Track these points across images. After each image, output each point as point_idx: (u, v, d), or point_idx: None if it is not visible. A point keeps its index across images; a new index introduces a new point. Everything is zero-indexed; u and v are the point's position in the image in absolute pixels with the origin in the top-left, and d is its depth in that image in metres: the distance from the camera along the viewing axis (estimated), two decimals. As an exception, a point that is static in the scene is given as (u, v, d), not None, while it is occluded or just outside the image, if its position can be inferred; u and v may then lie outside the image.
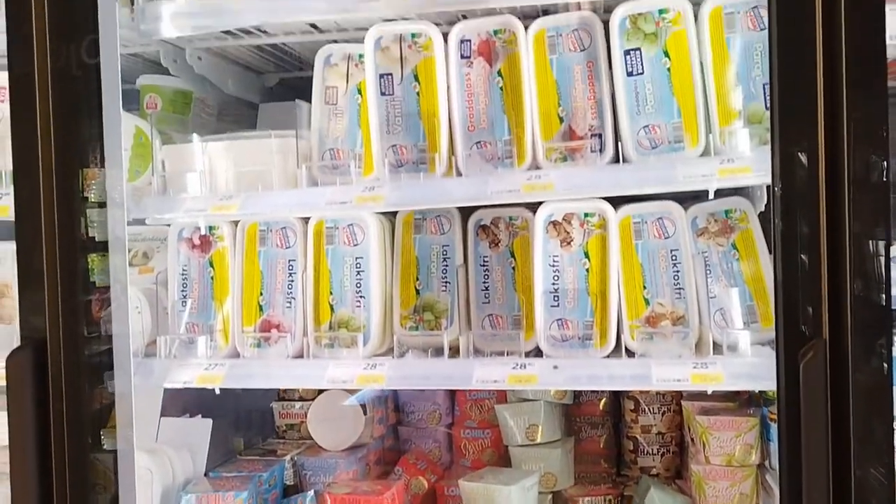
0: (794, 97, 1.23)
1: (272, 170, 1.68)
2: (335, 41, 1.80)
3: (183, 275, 1.78)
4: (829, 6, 1.22)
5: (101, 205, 1.55)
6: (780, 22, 1.25)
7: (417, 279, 1.72)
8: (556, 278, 1.57)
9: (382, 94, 1.65)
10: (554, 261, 1.57)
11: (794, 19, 1.25)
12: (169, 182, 1.74)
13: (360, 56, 1.74)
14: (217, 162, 1.71)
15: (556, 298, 1.57)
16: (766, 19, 1.45)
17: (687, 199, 1.60)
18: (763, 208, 1.64)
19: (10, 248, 1.83)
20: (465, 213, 1.72)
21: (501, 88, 1.61)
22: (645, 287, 1.59)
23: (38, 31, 1.43)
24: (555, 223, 1.58)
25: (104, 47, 1.50)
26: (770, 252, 1.54)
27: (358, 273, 1.69)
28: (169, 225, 1.78)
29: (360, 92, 1.74)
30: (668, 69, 1.53)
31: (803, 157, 1.21)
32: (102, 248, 1.55)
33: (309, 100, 2.21)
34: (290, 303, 1.72)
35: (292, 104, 2.24)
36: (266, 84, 2.30)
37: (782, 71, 1.19)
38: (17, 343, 1.45)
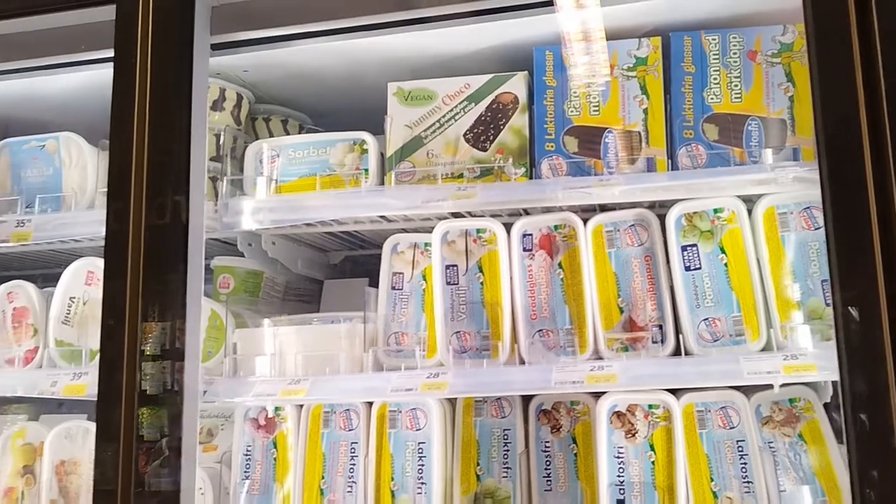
0: (857, 300, 1.26)
1: (339, 354, 1.74)
2: (402, 230, 1.91)
3: (247, 455, 1.80)
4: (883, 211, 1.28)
5: (155, 357, 1.61)
6: (837, 228, 1.30)
7: (478, 464, 1.72)
8: (621, 471, 1.56)
9: (448, 283, 1.73)
10: (619, 453, 1.57)
11: (849, 225, 1.30)
12: (240, 364, 1.81)
13: (426, 245, 1.84)
14: (287, 345, 1.78)
15: (622, 492, 1.55)
16: (819, 219, 1.52)
17: (749, 385, 1.60)
18: (829, 399, 1.64)
19: (79, 424, 1.91)
20: (526, 395, 1.74)
21: (562, 280, 1.68)
22: (712, 480, 1.56)
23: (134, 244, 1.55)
24: (618, 414, 1.59)
25: (192, 241, 1.61)
26: (839, 443, 1.53)
27: (420, 458, 1.69)
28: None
29: (424, 278, 1.83)
30: (726, 265, 1.58)
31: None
32: (153, 401, 1.58)
33: (369, 276, 2.34)
34: (350, 487, 1.72)
35: (355, 281, 2.35)
36: (331, 261, 2.42)
37: (843, 282, 1.23)
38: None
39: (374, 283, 2.28)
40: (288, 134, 2.16)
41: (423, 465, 1.69)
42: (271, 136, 2.14)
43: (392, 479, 1.70)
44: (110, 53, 1.69)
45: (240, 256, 2.12)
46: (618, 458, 1.57)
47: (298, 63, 1.97)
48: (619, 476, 1.56)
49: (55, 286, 2.02)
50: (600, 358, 1.61)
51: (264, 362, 1.78)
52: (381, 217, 1.90)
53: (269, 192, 1.86)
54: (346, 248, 2.39)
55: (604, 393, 1.63)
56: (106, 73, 1.98)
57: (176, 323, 1.55)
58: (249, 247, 2.08)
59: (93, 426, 1.90)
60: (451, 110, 1.82)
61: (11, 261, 2.33)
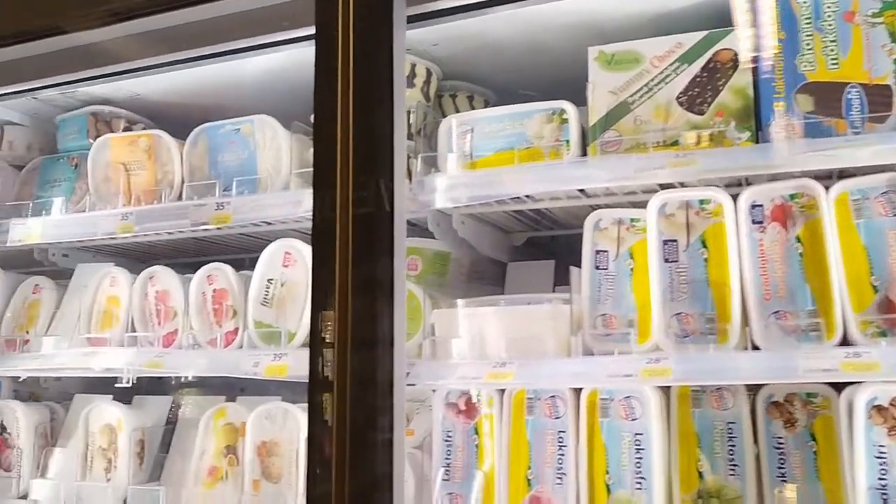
0: None
1: (545, 337, 1.63)
2: (600, 206, 1.78)
3: (447, 441, 1.74)
4: None
5: (365, 343, 1.56)
6: None
7: (699, 460, 1.56)
8: (883, 473, 1.36)
9: (666, 260, 1.58)
10: (880, 452, 1.37)
11: None
12: (438, 346, 1.75)
13: (632, 220, 1.70)
14: (487, 327, 1.70)
15: (885, 497, 1.35)
16: None
17: None
18: None
19: (278, 406, 1.91)
20: (751, 385, 1.57)
21: (801, 255, 1.49)
22: None
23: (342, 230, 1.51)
24: (879, 408, 1.38)
25: (398, 223, 1.56)
26: None
27: (637, 451, 1.56)
28: (434, 390, 1.76)
29: (631, 256, 1.69)
30: None
31: None
32: (364, 386, 1.53)
33: (554, 258, 2.21)
34: (560, 479, 1.61)
35: (541, 263, 2.23)
36: (513, 243, 2.32)
37: None
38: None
39: (560, 265, 2.18)
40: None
41: (640, 459, 1.55)
42: (458, 112, 2.06)
43: (606, 471, 1.58)
44: (307, 31, 1.67)
45: (427, 237, 2.06)
46: (879, 458, 1.37)
47: (483, 34, 1.88)
48: (881, 479, 1.36)
49: (245, 270, 2.05)
50: (850, 343, 1.41)
51: (462, 344, 1.70)
52: (581, 192, 1.78)
53: (464, 167, 1.78)
54: (529, 229, 2.28)
55: (848, 384, 1.43)
56: (295, 54, 1.99)
57: (385, 308, 1.50)
58: (438, 227, 2.01)
59: (292, 408, 1.90)
60: (661, 73, 1.66)
61: (204, 246, 2.40)
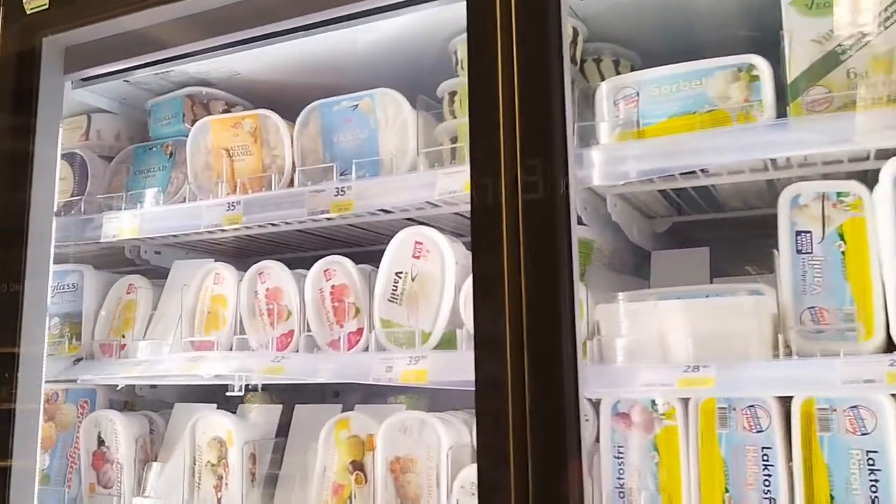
0: None
1: (746, 335, 1.37)
2: (785, 179, 1.51)
3: (618, 458, 1.48)
4: None
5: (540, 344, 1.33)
6: None
7: (946, 481, 1.28)
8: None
9: (908, 239, 1.30)
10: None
11: None
12: (605, 347, 1.50)
13: (838, 195, 1.42)
14: (670, 324, 1.44)
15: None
16: None
17: None
18: None
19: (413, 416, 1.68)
20: None
21: None
22: None
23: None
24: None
25: (572, 210, 1.32)
26: None
27: (871, 472, 1.28)
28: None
29: (842, 237, 1.41)
30: None
31: None
32: (541, 392, 1.31)
33: (706, 245, 1.94)
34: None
35: (692, 252, 1.97)
36: (655, 229, 2.05)
37: None
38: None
39: (717, 253, 1.91)
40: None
41: (877, 481, 1.28)
42: (603, 79, 1.80)
43: (831, 496, 1.30)
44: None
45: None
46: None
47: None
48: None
49: (362, 265, 1.83)
50: None
51: (637, 345, 1.44)
52: (771, 162, 1.51)
53: (630, 137, 1.52)
54: (673, 214, 2.02)
55: None
56: (413, 21, 1.76)
57: (565, 303, 1.26)
58: (586, 210, 1.75)
59: (430, 418, 1.67)
60: (881, 14, 1.38)
61: (308, 240, 2.19)
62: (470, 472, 1.59)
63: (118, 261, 2.28)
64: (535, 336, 1.25)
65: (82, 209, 2.16)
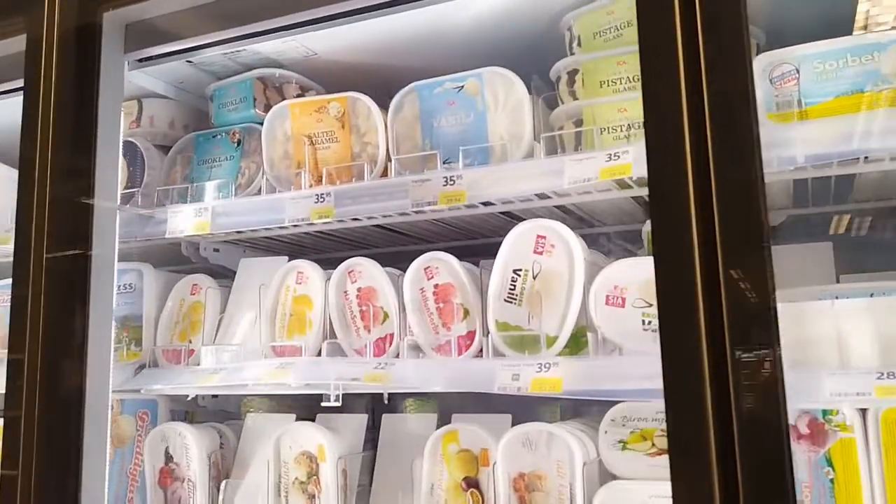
0: None
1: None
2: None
3: (785, 474, 1.33)
4: None
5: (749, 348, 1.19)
6: None
7: None
8: None
9: None
10: None
11: None
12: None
13: None
14: (850, 325, 1.29)
15: None
16: None
17: None
18: None
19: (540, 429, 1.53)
20: None
21: None
22: None
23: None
24: None
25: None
26: None
27: None
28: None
29: None
30: None
31: None
32: (749, 411, 1.16)
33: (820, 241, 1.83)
34: (974, 527, 1.21)
35: (814, 246, 1.83)
36: (770, 222, 1.91)
37: None
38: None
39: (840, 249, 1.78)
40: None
41: None
42: (731, 56, 1.65)
43: None
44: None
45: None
46: None
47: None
48: None
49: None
50: None
51: (812, 349, 1.30)
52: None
53: (790, 119, 1.38)
54: (791, 206, 1.88)
55: None
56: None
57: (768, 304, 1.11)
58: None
59: (557, 430, 1.52)
60: None
61: (388, 237, 2.03)
62: (611, 493, 1.44)
63: (172, 258, 2.10)
64: (736, 345, 1.10)
65: (139, 202, 1.98)
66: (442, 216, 1.77)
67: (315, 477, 1.71)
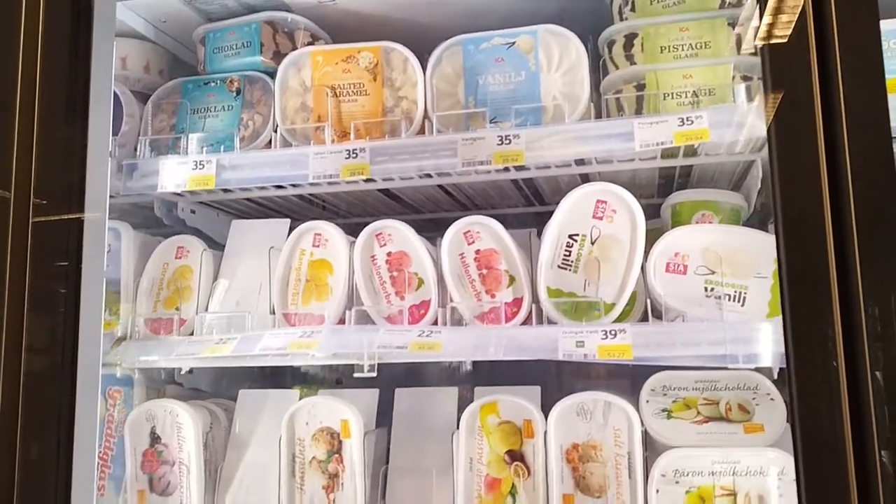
0: None
1: None
2: None
3: None
4: None
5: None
6: None
7: None
8: None
9: None
10: None
11: None
12: None
13: None
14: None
15: None
16: None
17: None
18: None
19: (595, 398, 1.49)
20: None
21: None
22: None
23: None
24: None
25: None
26: None
27: None
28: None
29: None
30: None
31: None
32: None
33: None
34: None
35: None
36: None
37: None
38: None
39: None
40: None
41: None
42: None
43: None
44: None
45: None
46: None
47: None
48: None
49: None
50: None
51: None
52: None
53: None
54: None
55: None
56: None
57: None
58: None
59: (614, 399, 1.49)
60: None
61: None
62: (673, 459, 1.43)
63: (140, 220, 1.88)
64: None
65: (115, 153, 1.75)
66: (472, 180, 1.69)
67: (337, 454, 1.58)
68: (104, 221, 1.53)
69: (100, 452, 1.72)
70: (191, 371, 1.90)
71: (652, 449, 1.49)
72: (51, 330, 1.47)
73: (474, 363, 2.05)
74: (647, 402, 1.55)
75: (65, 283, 1.46)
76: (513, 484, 1.50)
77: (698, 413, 1.53)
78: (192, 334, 1.67)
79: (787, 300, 1.17)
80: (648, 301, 1.48)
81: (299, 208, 1.98)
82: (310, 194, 1.87)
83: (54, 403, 1.43)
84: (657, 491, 1.42)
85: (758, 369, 1.55)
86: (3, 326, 1.44)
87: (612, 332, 1.41)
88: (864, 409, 1.10)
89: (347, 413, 1.58)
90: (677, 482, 1.42)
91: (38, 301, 1.45)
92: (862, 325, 1.12)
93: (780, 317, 1.28)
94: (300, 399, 1.65)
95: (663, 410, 1.54)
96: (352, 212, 2.06)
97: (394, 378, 1.75)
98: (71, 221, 1.47)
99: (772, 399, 1.51)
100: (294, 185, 1.78)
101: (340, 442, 1.58)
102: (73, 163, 1.49)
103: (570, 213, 1.51)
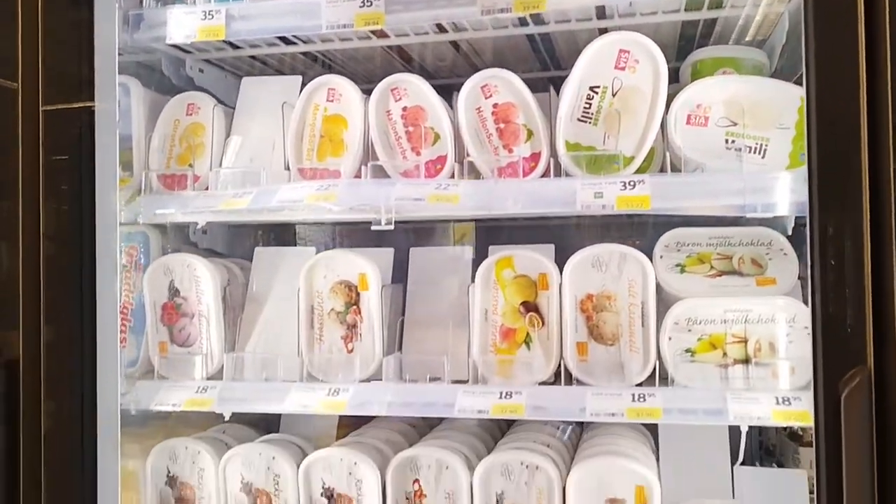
0: None
1: None
2: None
3: None
4: None
5: None
6: None
7: None
8: None
9: None
10: None
11: None
12: None
13: None
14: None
15: None
16: None
17: None
18: None
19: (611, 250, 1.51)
20: None
21: None
22: None
23: None
24: None
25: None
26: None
27: None
28: None
29: None
30: None
31: None
32: None
33: None
34: None
35: None
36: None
37: None
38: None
39: None
40: None
41: None
42: None
43: None
44: None
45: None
46: None
47: None
48: None
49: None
50: None
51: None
52: None
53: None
54: None
55: None
56: None
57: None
58: None
59: (629, 250, 1.51)
60: None
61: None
62: (686, 308, 1.46)
63: (148, 83, 1.83)
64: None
65: (121, 3, 1.68)
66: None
67: (355, 306, 1.61)
68: (114, 76, 1.51)
69: (119, 307, 1.75)
70: (205, 231, 1.92)
71: (664, 304, 1.52)
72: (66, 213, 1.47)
73: (486, 229, 2.08)
74: (661, 257, 1.57)
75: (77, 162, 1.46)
76: (527, 333, 1.54)
77: (711, 267, 1.55)
78: (206, 190, 1.67)
79: (815, 147, 1.16)
80: (668, 154, 1.47)
81: (306, 68, 1.94)
82: (319, 52, 1.83)
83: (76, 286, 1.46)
84: (669, 339, 1.46)
85: (772, 226, 1.56)
86: (20, 213, 1.45)
87: (632, 183, 1.41)
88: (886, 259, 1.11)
89: (365, 266, 1.60)
90: (689, 330, 1.45)
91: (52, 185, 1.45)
92: (890, 172, 1.12)
93: (801, 168, 1.29)
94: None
95: (677, 265, 1.56)
96: (359, 73, 2.01)
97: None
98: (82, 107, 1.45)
99: (785, 254, 1.54)
100: (305, 42, 1.74)
101: (358, 294, 1.61)
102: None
103: (591, 64, 1.48)
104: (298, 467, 1.58)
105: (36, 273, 1.46)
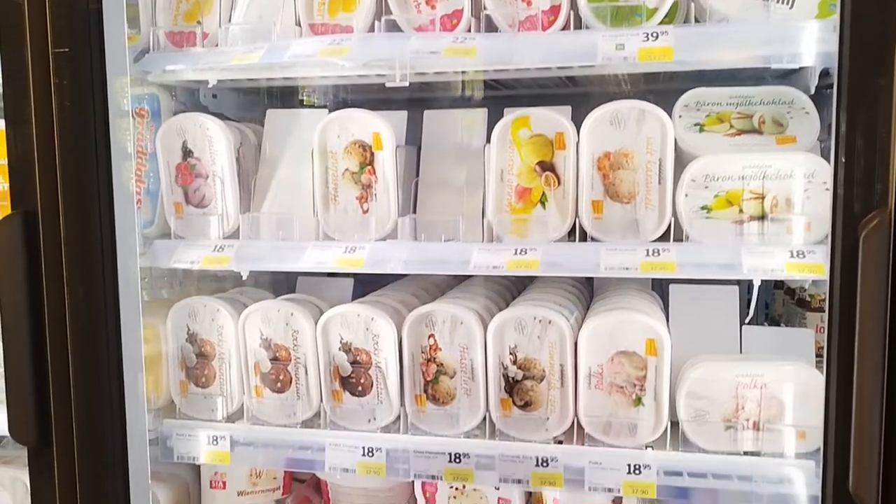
0: None
1: None
2: None
3: None
4: None
5: None
6: None
7: None
8: None
9: None
10: None
11: None
12: None
13: None
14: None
15: None
16: None
17: None
18: None
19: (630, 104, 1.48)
20: None
21: None
22: None
23: None
24: None
25: None
26: None
27: None
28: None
29: None
30: None
31: None
32: None
33: None
34: None
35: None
36: None
37: None
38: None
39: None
40: None
41: None
42: None
43: None
44: None
45: None
46: None
47: None
48: None
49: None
50: None
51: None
52: None
53: None
54: None
55: None
56: None
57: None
58: None
59: (649, 107, 1.48)
60: None
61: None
62: (704, 165, 1.45)
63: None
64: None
65: None
66: None
67: (370, 166, 1.60)
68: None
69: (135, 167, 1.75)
70: (215, 95, 1.89)
71: (681, 164, 1.51)
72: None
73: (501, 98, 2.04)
74: (680, 117, 1.55)
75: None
76: (543, 192, 1.54)
77: (731, 126, 1.53)
78: (216, 47, 1.63)
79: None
80: (692, 6, 1.42)
81: None
82: None
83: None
84: (686, 195, 1.45)
85: (795, 85, 1.53)
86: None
87: (654, 34, 1.37)
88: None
89: (379, 125, 1.58)
90: (706, 187, 1.45)
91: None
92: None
93: (831, 17, 1.24)
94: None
95: (696, 125, 1.54)
96: None
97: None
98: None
99: (807, 113, 1.51)
100: None
101: (373, 154, 1.60)
102: None
103: None
104: (316, 323, 1.61)
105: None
